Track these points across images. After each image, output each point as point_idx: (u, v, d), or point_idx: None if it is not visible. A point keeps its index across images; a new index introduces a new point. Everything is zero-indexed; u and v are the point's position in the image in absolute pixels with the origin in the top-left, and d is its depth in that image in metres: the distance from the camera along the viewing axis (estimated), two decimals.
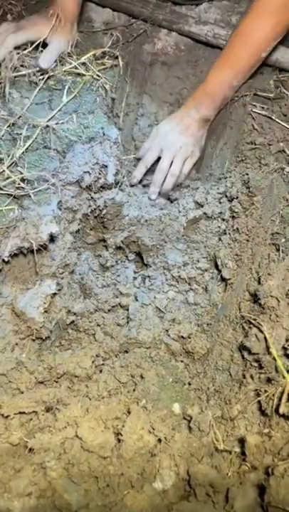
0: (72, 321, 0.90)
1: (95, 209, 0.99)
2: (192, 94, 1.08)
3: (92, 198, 0.97)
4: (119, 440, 0.69)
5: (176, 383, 0.83)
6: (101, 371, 0.82)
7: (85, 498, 0.63)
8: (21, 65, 1.02)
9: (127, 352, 0.90)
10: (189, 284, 1.01)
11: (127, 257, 1.05)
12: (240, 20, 1.01)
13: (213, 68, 1.04)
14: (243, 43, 0.99)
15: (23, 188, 0.81)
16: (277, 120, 1.03)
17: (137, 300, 0.99)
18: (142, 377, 0.82)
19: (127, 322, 0.94)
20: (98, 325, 0.92)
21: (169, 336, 0.92)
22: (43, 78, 1.04)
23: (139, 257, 1.07)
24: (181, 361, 0.89)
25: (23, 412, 0.69)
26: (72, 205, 0.92)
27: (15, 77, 1.02)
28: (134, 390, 0.79)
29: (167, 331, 0.94)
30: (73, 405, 0.72)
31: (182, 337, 0.92)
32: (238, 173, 1.01)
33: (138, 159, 1.12)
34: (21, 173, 0.83)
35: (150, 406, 0.76)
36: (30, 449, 0.66)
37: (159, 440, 0.70)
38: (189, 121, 1.06)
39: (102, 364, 0.84)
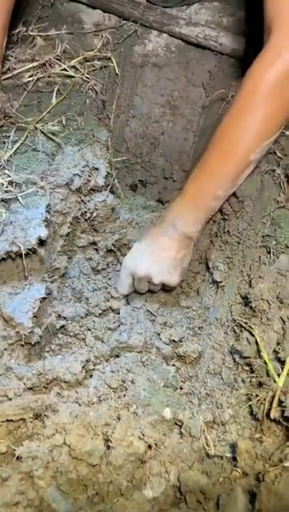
0: (63, 326, 0.89)
1: (85, 212, 0.98)
2: (170, 206, 0.89)
3: (82, 200, 0.96)
4: (108, 447, 0.68)
5: (167, 388, 0.82)
6: (91, 376, 0.81)
7: (74, 507, 0.62)
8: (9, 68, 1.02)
9: (117, 356, 0.89)
10: (181, 286, 1.00)
11: (118, 260, 1.04)
12: (223, 117, 0.82)
13: (191, 178, 0.85)
14: (225, 146, 0.80)
15: (10, 191, 0.80)
16: None
17: (128, 303, 0.98)
18: (132, 382, 0.81)
19: (118, 326, 0.93)
20: (89, 329, 0.91)
21: (160, 339, 0.91)
22: (32, 80, 1.03)
23: None
24: (173, 365, 0.88)
25: (11, 420, 0.67)
26: (62, 208, 0.91)
27: (3, 79, 1.01)
28: (124, 396, 0.78)
29: (159, 334, 0.93)
30: (62, 412, 0.71)
31: (174, 341, 0.91)
32: None
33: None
34: (9, 176, 0.82)
35: (141, 411, 0.75)
36: (18, 457, 0.65)
37: (150, 446, 0.69)
38: (165, 241, 0.87)
39: (93, 369, 0.83)
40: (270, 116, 0.76)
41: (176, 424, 0.76)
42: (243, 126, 0.77)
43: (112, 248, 1.01)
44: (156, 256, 0.88)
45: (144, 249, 0.88)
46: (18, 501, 0.62)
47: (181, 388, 0.86)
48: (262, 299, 0.77)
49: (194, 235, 0.89)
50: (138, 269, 0.88)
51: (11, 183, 0.81)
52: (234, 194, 0.89)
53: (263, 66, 0.75)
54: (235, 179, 0.83)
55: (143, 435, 0.69)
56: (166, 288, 0.94)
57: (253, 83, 0.76)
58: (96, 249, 1.02)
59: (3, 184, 0.81)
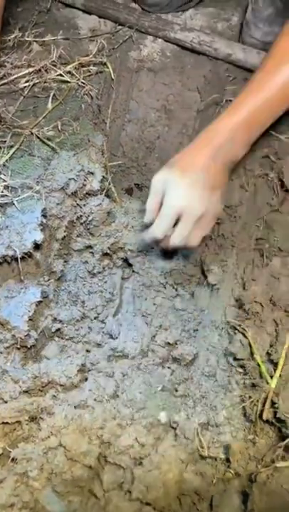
0: (58, 329, 0.90)
1: (81, 216, 0.99)
2: (215, 128, 0.77)
3: (77, 204, 0.97)
4: (103, 449, 0.68)
5: (162, 392, 0.83)
6: (86, 379, 0.82)
7: (68, 509, 0.62)
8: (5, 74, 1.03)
9: (113, 360, 0.90)
10: (176, 289, 1.01)
11: (114, 263, 1.05)
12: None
13: (244, 103, 0.76)
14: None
15: (6, 195, 0.81)
16: None
17: (124, 307, 0.99)
18: (128, 385, 0.81)
19: (113, 331, 0.94)
20: (84, 333, 0.92)
21: (156, 342, 0.92)
22: (28, 86, 1.04)
23: (126, 263, 1.07)
24: (168, 367, 0.89)
25: (7, 423, 0.68)
26: (58, 212, 0.92)
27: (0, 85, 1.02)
28: (119, 399, 0.78)
29: (154, 337, 0.93)
30: (57, 414, 0.72)
31: (169, 343, 0.92)
32: None
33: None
34: (5, 181, 0.83)
35: (136, 415, 0.76)
36: (13, 459, 0.65)
37: (145, 449, 0.69)
38: (217, 171, 0.75)
39: (88, 372, 0.84)
40: None
41: (171, 427, 0.77)
42: None
43: (108, 252, 1.02)
44: (210, 192, 0.74)
45: (196, 184, 0.72)
46: (13, 503, 0.62)
47: (176, 390, 0.86)
48: (255, 302, 0.78)
49: (239, 159, 0.80)
50: (194, 209, 0.72)
51: (6, 187, 0.82)
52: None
53: None
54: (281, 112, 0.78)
55: (139, 438, 0.70)
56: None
57: None
58: (92, 253, 1.02)
59: None
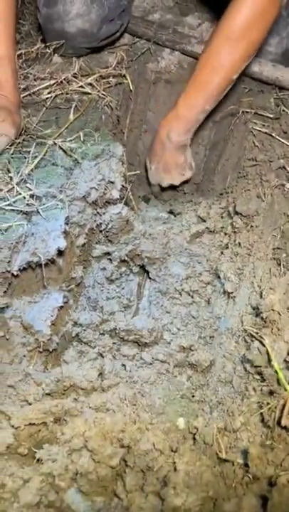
0: (78, 334, 0.92)
1: (100, 223, 1.01)
2: (164, 118, 1.05)
3: (98, 212, 1.00)
4: (124, 452, 0.70)
5: (181, 398, 0.85)
6: (108, 384, 0.84)
7: (92, 509, 0.64)
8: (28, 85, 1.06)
9: (131, 365, 0.92)
10: (192, 296, 1.03)
11: (131, 270, 1.07)
12: (206, 43, 0.98)
13: (184, 93, 1.01)
14: (213, 67, 0.95)
15: (32, 204, 0.84)
16: (277, 137, 1.06)
17: (141, 313, 1.01)
18: (147, 390, 0.83)
19: (131, 335, 0.96)
20: (103, 337, 0.94)
21: (172, 348, 0.94)
22: (51, 97, 1.07)
23: (143, 270, 1.09)
24: (185, 373, 0.91)
25: (33, 424, 0.70)
26: (79, 220, 0.95)
27: (23, 96, 1.05)
28: (139, 404, 0.80)
29: (170, 343, 0.95)
30: (80, 417, 0.74)
31: (185, 349, 0.94)
32: (240, 188, 1.03)
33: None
34: (30, 190, 0.85)
35: (155, 420, 0.78)
36: (38, 460, 0.68)
37: (165, 453, 0.71)
38: (167, 156, 1.07)
39: (108, 377, 0.86)
40: (249, 46, 0.92)
41: (190, 432, 0.79)
42: (227, 55, 0.93)
43: (126, 258, 1.05)
44: (167, 169, 1.10)
45: (157, 168, 1.12)
46: (38, 502, 0.64)
47: (193, 396, 0.88)
48: (273, 310, 0.80)
49: (187, 142, 1.07)
50: (162, 183, 1.14)
51: (32, 196, 0.85)
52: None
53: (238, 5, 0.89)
54: (220, 94, 0.99)
55: (158, 442, 0.72)
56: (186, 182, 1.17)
57: (232, 18, 0.90)
58: (110, 260, 1.05)
59: (24, 197, 0.84)
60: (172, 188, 1.18)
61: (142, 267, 1.08)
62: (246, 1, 0.87)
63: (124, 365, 0.90)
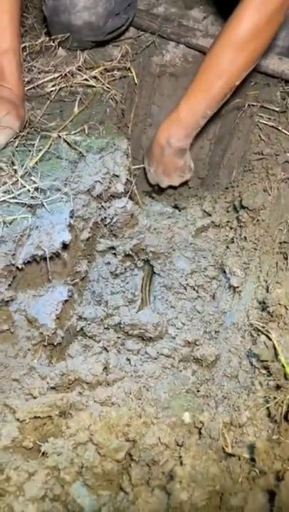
0: (82, 328, 0.92)
1: (105, 217, 1.01)
2: (164, 122, 1.03)
3: (102, 206, 0.99)
4: (130, 446, 0.70)
5: (187, 393, 0.84)
6: (113, 379, 0.83)
7: (98, 503, 0.64)
8: (33, 78, 1.05)
9: (135, 359, 0.91)
10: (197, 291, 1.02)
11: (135, 264, 1.07)
12: (210, 49, 0.96)
13: (186, 97, 0.99)
14: (216, 73, 0.94)
15: (36, 197, 0.83)
16: (283, 131, 1.05)
17: (145, 307, 1.01)
18: (152, 385, 0.83)
19: (136, 329, 0.95)
20: (108, 332, 0.94)
21: (177, 343, 0.94)
22: (55, 90, 1.06)
23: (147, 265, 1.09)
24: (190, 368, 0.90)
25: (38, 417, 0.70)
26: (83, 213, 0.94)
27: (27, 89, 1.04)
28: (145, 398, 0.80)
29: (175, 338, 0.95)
30: (85, 411, 0.74)
31: (190, 344, 0.93)
32: (246, 182, 1.02)
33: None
34: (35, 183, 0.85)
35: (161, 414, 0.77)
36: (44, 453, 0.67)
37: (170, 447, 0.71)
38: (166, 160, 1.06)
39: (113, 371, 0.85)
40: (252, 53, 0.91)
41: (195, 427, 0.78)
42: (231, 63, 0.92)
43: (130, 253, 1.04)
44: (167, 173, 1.10)
45: (156, 171, 1.11)
46: (44, 496, 0.64)
47: (198, 391, 0.88)
48: (279, 304, 0.79)
49: (187, 146, 1.06)
50: (161, 184, 1.14)
51: (36, 189, 0.84)
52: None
53: (243, 13, 0.88)
54: (222, 100, 0.99)
55: (164, 436, 0.71)
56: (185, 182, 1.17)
57: (237, 25, 0.89)
58: (114, 254, 1.04)
59: (29, 190, 0.83)
60: (174, 187, 1.17)
61: (147, 261, 1.08)
62: (252, 8, 0.86)
63: (128, 360, 0.90)
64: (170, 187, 1.16)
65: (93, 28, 1.07)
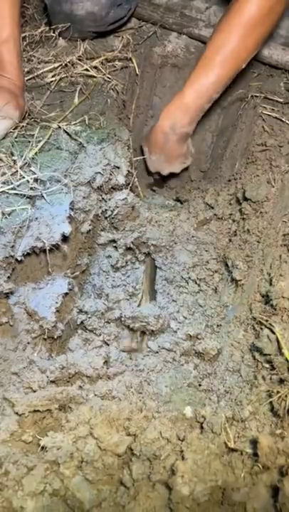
0: (83, 321, 0.91)
1: (106, 210, 0.99)
2: (167, 109, 1.00)
3: (103, 198, 0.98)
4: (130, 440, 0.69)
5: (188, 387, 0.83)
6: (113, 372, 0.82)
7: (98, 498, 0.63)
8: (33, 68, 1.03)
9: (136, 353, 0.90)
10: (199, 285, 1.01)
11: (136, 257, 1.05)
12: (215, 32, 0.95)
13: (190, 82, 0.97)
14: (224, 56, 0.93)
15: (36, 188, 0.82)
16: (287, 122, 1.03)
17: (146, 301, 0.99)
18: (153, 379, 0.82)
19: (137, 323, 0.94)
20: (109, 325, 0.93)
21: (179, 337, 0.92)
22: (55, 80, 1.05)
23: (149, 258, 1.07)
24: (192, 362, 0.89)
25: (38, 411, 0.69)
26: (84, 205, 0.93)
27: (27, 79, 1.03)
28: (146, 392, 0.79)
29: (176, 332, 0.94)
30: (85, 404, 0.73)
31: (192, 338, 0.92)
32: (249, 174, 1.01)
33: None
34: (34, 174, 0.83)
35: (162, 408, 0.76)
36: (43, 447, 0.66)
37: (172, 441, 0.69)
38: (170, 147, 1.04)
39: (114, 365, 0.84)
40: (260, 38, 0.92)
41: (197, 421, 0.77)
42: (240, 46, 0.92)
43: (131, 246, 1.03)
44: (169, 160, 1.08)
45: (158, 159, 1.08)
46: (43, 490, 0.63)
47: (199, 385, 0.86)
48: (283, 297, 0.78)
49: (190, 132, 1.05)
50: (163, 172, 1.12)
51: (36, 180, 0.83)
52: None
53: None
54: (227, 84, 0.98)
55: (165, 430, 0.70)
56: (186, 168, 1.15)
57: (244, 8, 0.88)
58: (115, 247, 1.03)
59: (28, 181, 0.82)
60: (175, 175, 1.15)
61: (148, 254, 1.06)
62: None
63: (128, 354, 0.88)
64: (171, 174, 1.14)
65: (95, 19, 1.06)
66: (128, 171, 0.99)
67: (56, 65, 1.07)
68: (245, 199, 0.96)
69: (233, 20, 0.90)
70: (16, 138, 0.90)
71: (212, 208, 1.05)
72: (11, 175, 0.83)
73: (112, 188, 0.98)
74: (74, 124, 0.96)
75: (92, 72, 1.07)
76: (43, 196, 0.82)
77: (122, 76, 1.13)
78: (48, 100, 1.01)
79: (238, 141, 1.13)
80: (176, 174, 1.13)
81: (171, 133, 1.01)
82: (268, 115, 1.06)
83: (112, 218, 1.00)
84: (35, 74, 1.05)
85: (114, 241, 1.03)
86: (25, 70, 1.05)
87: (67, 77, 1.05)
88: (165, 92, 1.25)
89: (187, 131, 1.02)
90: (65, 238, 0.83)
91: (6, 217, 0.78)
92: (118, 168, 0.97)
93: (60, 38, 1.14)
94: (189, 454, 0.68)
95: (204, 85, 0.96)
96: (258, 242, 0.91)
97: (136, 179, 1.06)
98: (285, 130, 1.02)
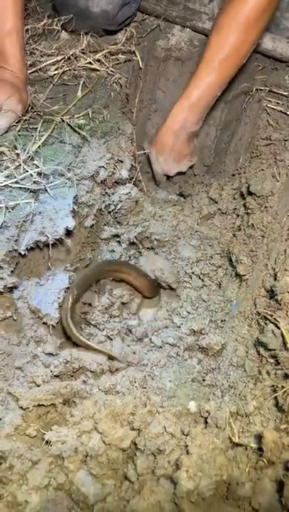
0: (87, 316, 0.90)
1: (109, 204, 0.98)
2: (175, 110, 1.03)
3: (106, 193, 0.97)
4: (135, 435, 0.69)
5: (192, 382, 0.83)
6: (117, 367, 0.82)
7: (103, 492, 0.62)
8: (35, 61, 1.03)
9: (140, 348, 0.90)
10: (203, 280, 1.01)
11: (140, 252, 1.05)
12: (215, 30, 0.96)
13: (195, 82, 0.99)
14: (226, 54, 0.94)
15: (39, 182, 0.81)
16: None
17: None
18: (157, 373, 0.81)
19: (141, 318, 0.94)
20: (112, 320, 0.92)
21: (182, 332, 0.92)
22: (58, 73, 1.04)
23: (152, 253, 1.07)
24: (195, 357, 0.89)
25: (42, 405, 0.69)
26: (87, 200, 0.92)
27: (29, 73, 1.02)
28: (150, 386, 0.78)
29: (180, 327, 0.93)
30: (89, 399, 0.72)
31: (196, 333, 0.92)
32: (253, 168, 1.00)
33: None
34: (37, 167, 0.83)
35: (166, 403, 0.76)
36: (47, 442, 0.66)
37: (176, 436, 0.69)
38: (180, 146, 1.06)
39: (117, 359, 0.84)
40: (259, 33, 0.95)
41: (201, 416, 0.77)
42: (245, 43, 0.94)
43: (135, 241, 1.02)
44: (177, 160, 1.10)
45: (166, 160, 1.09)
46: (47, 484, 0.63)
47: (203, 380, 0.86)
48: (288, 292, 0.77)
49: (198, 130, 1.08)
50: (170, 173, 1.13)
51: (39, 174, 0.82)
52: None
53: None
54: (230, 79, 1.00)
55: (169, 425, 0.70)
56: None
57: (244, 3, 0.90)
58: (119, 242, 1.03)
59: (32, 175, 0.81)
60: (180, 172, 1.16)
61: (152, 249, 1.06)
62: None
63: (132, 348, 0.88)
64: (177, 174, 1.14)
65: (108, 17, 1.06)
66: (132, 165, 0.99)
67: (59, 58, 1.06)
68: (250, 193, 0.96)
69: (234, 16, 0.91)
70: (19, 131, 0.89)
71: (216, 202, 1.04)
72: (15, 169, 0.82)
73: (115, 182, 0.98)
74: (77, 118, 0.95)
75: (96, 66, 1.06)
76: (46, 190, 0.82)
77: (126, 69, 1.12)
78: (51, 93, 1.00)
79: (243, 135, 1.12)
80: (182, 172, 1.14)
81: (182, 132, 1.04)
82: (273, 109, 1.05)
83: (116, 213, 1.00)
84: (38, 67, 1.04)
85: (117, 236, 1.02)
86: (28, 63, 1.04)
87: (70, 70, 1.04)
88: (168, 85, 1.24)
89: (195, 129, 1.05)
90: (68, 232, 0.82)
91: (9, 211, 0.77)
92: (122, 162, 0.96)
93: (63, 31, 1.13)
94: (194, 448, 0.68)
95: (208, 84, 0.98)
96: (263, 236, 0.90)
97: (139, 173, 1.05)
98: None
